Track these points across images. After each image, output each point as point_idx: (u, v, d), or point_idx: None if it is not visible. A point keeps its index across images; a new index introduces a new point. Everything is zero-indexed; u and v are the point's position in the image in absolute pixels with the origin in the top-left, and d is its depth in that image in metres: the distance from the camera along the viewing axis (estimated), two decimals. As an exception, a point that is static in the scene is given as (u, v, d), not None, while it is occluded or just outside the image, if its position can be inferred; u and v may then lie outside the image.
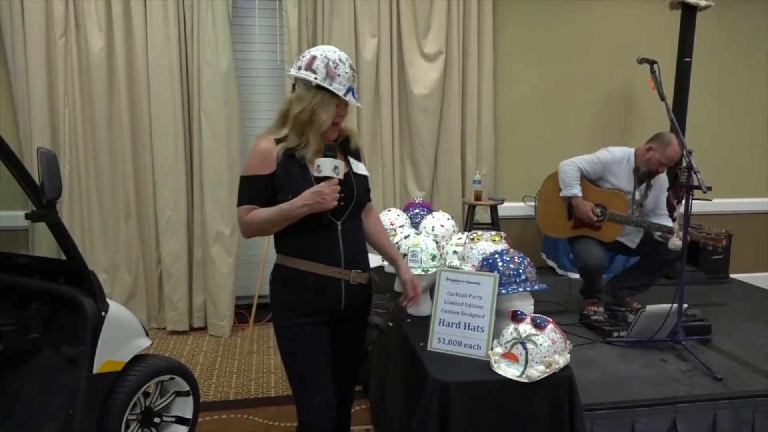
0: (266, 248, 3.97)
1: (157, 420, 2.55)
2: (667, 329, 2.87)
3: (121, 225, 4.20)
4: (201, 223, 4.22)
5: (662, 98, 3.04)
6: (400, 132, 4.49)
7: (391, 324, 2.09)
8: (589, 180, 3.55)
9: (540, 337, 1.93)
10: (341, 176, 1.88)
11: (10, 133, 3.99)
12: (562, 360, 1.95)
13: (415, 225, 3.07)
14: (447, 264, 2.58)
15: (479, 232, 2.56)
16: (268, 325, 4.21)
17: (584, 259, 3.46)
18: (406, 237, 2.63)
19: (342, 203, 1.91)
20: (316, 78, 1.86)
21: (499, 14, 4.58)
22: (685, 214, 2.80)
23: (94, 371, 2.23)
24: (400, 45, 4.39)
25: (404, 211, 3.24)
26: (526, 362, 1.90)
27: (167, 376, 2.56)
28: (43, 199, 2.03)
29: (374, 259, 2.44)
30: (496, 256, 2.26)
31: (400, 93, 4.45)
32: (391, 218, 3.04)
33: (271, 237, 1.99)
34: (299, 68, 1.89)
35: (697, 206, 2.90)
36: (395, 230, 2.91)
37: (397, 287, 2.78)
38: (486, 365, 1.99)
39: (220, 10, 4.04)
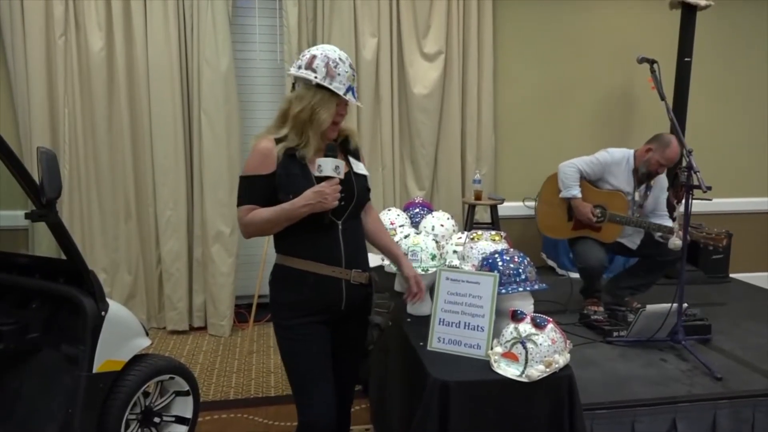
0: (266, 248, 3.97)
1: (157, 420, 2.55)
2: (667, 329, 2.87)
3: (121, 225, 4.20)
4: (201, 223, 4.22)
5: (662, 98, 3.04)
6: (400, 132, 4.49)
7: (390, 323, 2.09)
8: (588, 181, 3.54)
9: (540, 337, 1.92)
10: (342, 176, 1.88)
11: (10, 133, 3.99)
12: (562, 359, 1.94)
13: (415, 224, 3.07)
14: (447, 263, 2.57)
15: (479, 232, 2.55)
16: (268, 325, 4.21)
17: (585, 259, 3.46)
18: (405, 236, 2.62)
19: (343, 203, 1.91)
20: (316, 77, 1.85)
21: (499, 14, 4.58)
22: (685, 214, 2.80)
23: (94, 371, 2.23)
24: (400, 45, 4.39)
25: (404, 210, 3.24)
26: (526, 362, 1.90)
27: (167, 376, 2.56)
28: (43, 199, 2.03)
29: (374, 259, 2.44)
30: (496, 255, 2.25)
31: (400, 93, 4.45)
32: (391, 218, 3.03)
33: (271, 237, 1.98)
34: (299, 67, 1.89)
35: (697, 206, 2.90)
36: (395, 230, 2.90)
37: (397, 287, 2.78)
38: (486, 365, 1.99)
39: (220, 10, 4.04)
